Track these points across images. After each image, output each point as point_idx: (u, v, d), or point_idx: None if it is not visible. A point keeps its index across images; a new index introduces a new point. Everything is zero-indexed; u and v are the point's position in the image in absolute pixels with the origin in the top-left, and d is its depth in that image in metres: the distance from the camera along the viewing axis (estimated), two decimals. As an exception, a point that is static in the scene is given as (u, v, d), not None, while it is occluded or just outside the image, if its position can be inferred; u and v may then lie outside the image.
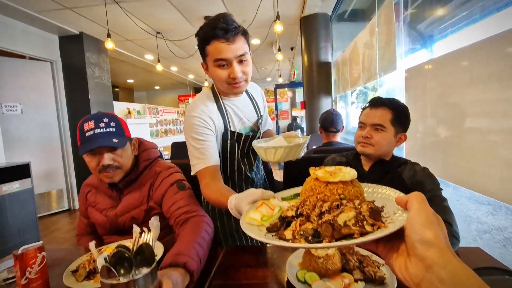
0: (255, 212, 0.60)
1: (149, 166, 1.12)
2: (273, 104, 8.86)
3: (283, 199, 0.69)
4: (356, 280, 0.77)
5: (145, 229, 0.69)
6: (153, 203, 1.07)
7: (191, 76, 9.13)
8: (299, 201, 0.57)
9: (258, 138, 1.20)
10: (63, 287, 0.79)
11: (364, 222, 0.45)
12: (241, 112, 1.13)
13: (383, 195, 0.61)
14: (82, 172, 4.15)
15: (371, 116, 1.15)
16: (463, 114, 1.42)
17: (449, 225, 0.97)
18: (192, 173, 1.02)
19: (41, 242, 0.79)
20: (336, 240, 0.45)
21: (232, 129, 1.09)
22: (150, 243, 0.63)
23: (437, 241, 0.34)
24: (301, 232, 0.47)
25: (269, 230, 0.53)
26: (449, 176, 1.53)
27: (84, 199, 1.17)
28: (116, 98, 8.57)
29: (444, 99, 1.58)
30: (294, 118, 9.39)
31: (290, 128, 8.54)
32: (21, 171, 2.82)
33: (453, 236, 0.95)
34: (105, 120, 0.99)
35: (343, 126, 2.01)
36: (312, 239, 0.45)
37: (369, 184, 0.66)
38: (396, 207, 0.49)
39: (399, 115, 1.15)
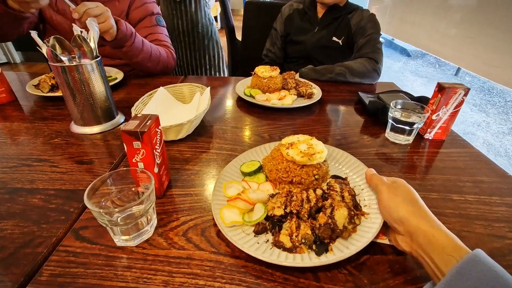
0: (230, 209, 0.54)
1: None
2: None
3: (244, 173, 0.64)
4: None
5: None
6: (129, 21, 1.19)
7: None
8: (282, 193, 0.54)
9: None
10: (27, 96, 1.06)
11: (355, 218, 0.51)
12: None
13: (342, 162, 0.67)
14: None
15: None
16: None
17: (375, 62, 1.22)
18: None
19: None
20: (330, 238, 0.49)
21: None
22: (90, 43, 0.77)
23: (409, 216, 0.41)
24: (303, 240, 0.48)
25: (257, 232, 0.51)
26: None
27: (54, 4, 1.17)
28: None
29: None
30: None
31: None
32: None
33: (375, 71, 1.23)
34: None
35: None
36: (318, 249, 0.47)
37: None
38: (357, 174, 0.63)
39: None
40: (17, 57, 4.20)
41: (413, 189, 0.49)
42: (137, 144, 0.52)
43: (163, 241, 0.50)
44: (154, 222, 0.53)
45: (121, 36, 1.00)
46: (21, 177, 0.65)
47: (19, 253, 0.47)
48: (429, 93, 0.90)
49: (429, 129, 0.85)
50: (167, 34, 1.32)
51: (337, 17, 1.31)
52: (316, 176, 0.60)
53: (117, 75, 1.23)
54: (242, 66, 2.05)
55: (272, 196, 0.55)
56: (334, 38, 1.38)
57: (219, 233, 0.52)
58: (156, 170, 0.56)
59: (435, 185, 0.67)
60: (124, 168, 0.52)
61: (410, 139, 0.84)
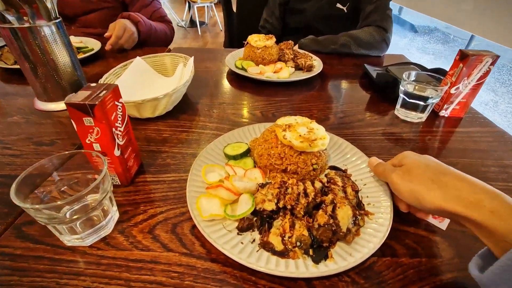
0: (210, 199, 0.44)
1: None
2: None
3: (229, 156, 0.54)
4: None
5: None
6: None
7: None
8: (274, 184, 0.44)
9: None
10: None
11: (359, 219, 0.41)
12: None
13: (341, 152, 0.57)
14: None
15: None
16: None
17: (384, 31, 1.13)
18: None
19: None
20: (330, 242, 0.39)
21: None
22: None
23: (443, 204, 0.35)
24: (297, 243, 0.38)
25: (242, 230, 0.41)
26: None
27: None
28: None
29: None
30: None
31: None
32: None
33: (384, 41, 1.14)
34: None
35: None
36: (315, 255, 0.37)
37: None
38: (357, 167, 0.53)
39: None
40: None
41: (424, 158, 0.41)
42: (88, 120, 0.42)
43: (123, 240, 0.41)
44: (115, 215, 0.44)
45: (144, 37, 1.17)
46: (-35, 161, 0.55)
47: None
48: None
49: (445, 105, 0.74)
50: (161, 6, 1.38)
51: None
52: (315, 166, 0.49)
53: (95, 46, 1.10)
54: (238, 40, 1.89)
55: (262, 186, 0.45)
56: (338, 5, 1.23)
57: (194, 229, 0.43)
58: (117, 152, 0.46)
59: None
60: (71, 151, 0.41)
61: (423, 116, 0.73)
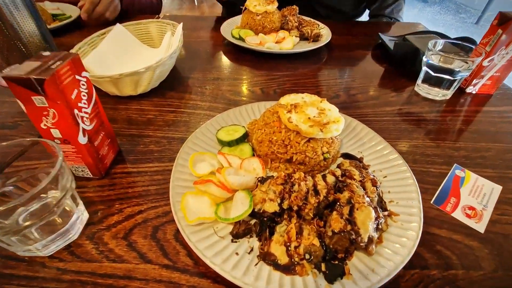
0: (199, 197, 0.36)
1: None
2: None
3: (222, 142, 0.45)
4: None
5: None
6: None
7: None
8: (278, 177, 0.35)
9: None
10: None
11: (382, 223, 0.33)
12: None
13: (354, 136, 0.48)
14: None
15: None
16: None
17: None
18: None
19: None
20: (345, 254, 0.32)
21: None
22: None
23: None
24: (306, 256, 0.31)
25: (237, 236, 0.34)
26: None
27: None
28: None
29: None
30: None
31: None
32: None
33: None
34: None
35: None
36: (329, 272, 0.30)
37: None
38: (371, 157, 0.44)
39: None
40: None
41: None
42: (39, 100, 0.32)
43: (92, 248, 0.34)
44: (82, 217, 0.36)
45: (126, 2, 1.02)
46: None
47: None
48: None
49: (474, 80, 0.64)
50: None
51: None
52: (326, 155, 0.41)
53: (73, 13, 0.97)
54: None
55: (262, 181, 0.37)
56: None
57: (179, 234, 0.35)
58: (83, 140, 0.37)
59: (488, 158, 0.48)
60: (20, 139, 0.33)
61: (448, 93, 0.63)
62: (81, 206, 0.36)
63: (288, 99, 0.44)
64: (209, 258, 0.30)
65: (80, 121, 0.36)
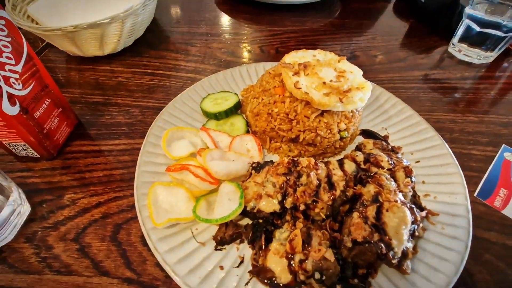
0: (172, 188, 0.27)
1: None
2: None
3: (208, 114, 0.35)
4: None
5: None
6: None
7: None
8: (279, 163, 0.26)
9: None
10: None
11: (419, 229, 0.24)
12: None
13: (379, 107, 0.37)
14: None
15: None
16: None
17: None
18: None
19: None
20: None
21: None
22: None
23: None
24: (316, 275, 0.22)
25: (221, 242, 0.25)
26: None
27: None
28: None
29: None
30: None
31: None
32: None
33: None
34: None
35: None
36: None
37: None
38: (406, 131, 0.34)
39: None
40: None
41: None
42: None
43: (31, 254, 0.25)
44: (22, 210, 0.27)
45: None
46: None
47: None
48: None
49: (526, 39, 0.51)
50: None
51: None
52: (343, 133, 0.31)
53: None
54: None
55: (258, 168, 0.27)
56: None
57: (141, 240, 0.27)
58: (11, 110, 0.27)
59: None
60: None
61: (492, 55, 0.51)
62: (19, 196, 0.27)
63: (296, 56, 0.33)
64: (181, 277, 0.22)
65: (4, 83, 0.26)
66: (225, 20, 0.62)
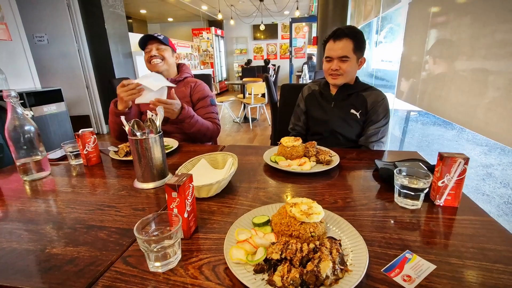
0: (238, 249, 0.67)
1: (189, 77, 1.78)
2: (288, 41, 7.50)
3: (255, 224, 0.78)
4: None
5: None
6: (191, 100, 1.75)
7: (204, 8, 9.15)
8: (280, 242, 0.65)
9: None
10: (108, 159, 1.42)
11: (338, 271, 0.59)
12: None
13: (339, 227, 0.76)
14: (107, 100, 4.78)
15: (336, 49, 1.36)
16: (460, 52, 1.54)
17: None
18: None
19: (91, 128, 1.33)
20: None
21: None
22: (157, 122, 1.08)
23: None
24: (291, 282, 0.57)
25: (256, 271, 0.62)
26: (442, 112, 1.74)
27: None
28: (131, 29, 8.57)
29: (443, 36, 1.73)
30: (309, 57, 8.37)
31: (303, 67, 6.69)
32: (55, 96, 3.64)
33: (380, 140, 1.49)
34: (158, 33, 1.65)
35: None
36: (302, 291, 0.55)
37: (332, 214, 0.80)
38: (350, 239, 0.70)
39: (359, 43, 1.36)
40: (105, 129, 5.45)
41: None
42: (174, 194, 0.73)
43: (182, 271, 0.65)
44: (179, 255, 0.69)
45: (182, 117, 1.54)
46: (95, 217, 0.89)
47: (86, 269, 0.66)
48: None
49: (437, 195, 0.89)
50: (217, 112, 1.81)
51: (350, 93, 1.48)
52: (312, 234, 0.70)
53: (173, 144, 1.56)
54: (280, 135, 2.31)
55: (273, 243, 0.67)
56: (352, 111, 1.52)
57: (225, 270, 0.64)
58: (185, 215, 0.74)
59: (435, 247, 0.70)
60: (163, 211, 0.71)
61: (418, 203, 0.89)
62: (180, 250, 0.69)
63: (293, 200, 0.78)
64: (241, 277, 0.59)
65: (186, 205, 0.75)
66: (267, 180, 1.14)
